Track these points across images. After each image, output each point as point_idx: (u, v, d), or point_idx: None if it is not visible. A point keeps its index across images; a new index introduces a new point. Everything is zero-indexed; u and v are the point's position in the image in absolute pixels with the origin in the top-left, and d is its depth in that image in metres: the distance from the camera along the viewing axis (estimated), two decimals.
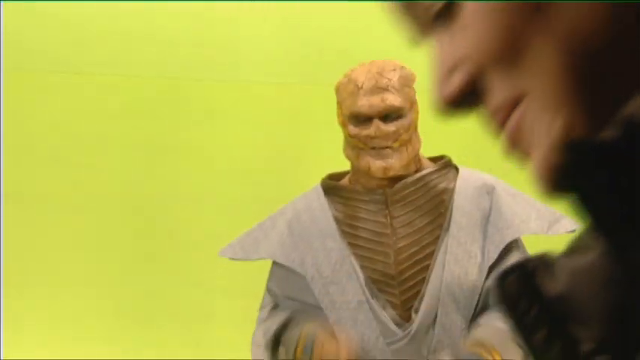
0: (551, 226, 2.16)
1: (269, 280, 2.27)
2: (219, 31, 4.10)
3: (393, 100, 2.09)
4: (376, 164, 2.09)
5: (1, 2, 3.89)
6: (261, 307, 2.28)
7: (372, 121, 2.09)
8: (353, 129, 2.11)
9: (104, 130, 4.04)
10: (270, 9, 4.07)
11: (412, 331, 2.07)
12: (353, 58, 4.18)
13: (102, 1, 3.97)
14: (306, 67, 4.10)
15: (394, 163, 2.09)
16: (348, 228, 2.16)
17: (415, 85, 2.18)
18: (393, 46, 4.52)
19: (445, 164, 2.23)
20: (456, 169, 2.25)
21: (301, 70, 4.10)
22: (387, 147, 2.09)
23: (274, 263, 2.25)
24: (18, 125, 3.98)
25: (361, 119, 2.10)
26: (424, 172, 2.18)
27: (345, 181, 2.24)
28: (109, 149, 4.04)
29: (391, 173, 2.09)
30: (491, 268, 2.10)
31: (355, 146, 2.13)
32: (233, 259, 2.26)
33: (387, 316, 2.09)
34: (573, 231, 2.16)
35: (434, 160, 2.26)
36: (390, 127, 2.08)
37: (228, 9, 4.06)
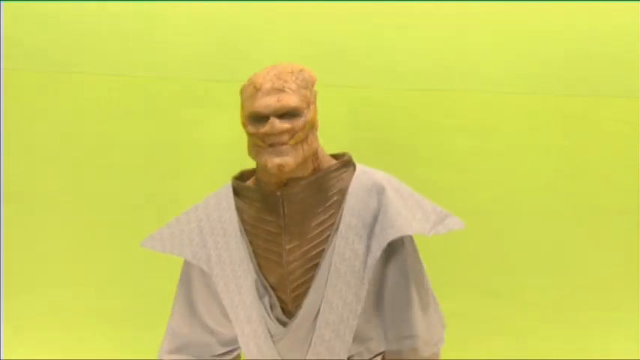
0: (434, 227, 2.23)
1: (180, 276, 2.41)
2: (220, 31, 4.10)
3: (288, 100, 2.20)
4: (272, 161, 2.18)
5: (1, 2, 3.89)
6: (170, 316, 2.41)
7: (268, 119, 2.21)
8: (251, 128, 2.26)
9: (104, 130, 4.04)
10: (270, 9, 4.07)
11: (292, 328, 2.20)
12: (352, 59, 4.19)
13: (102, 1, 3.97)
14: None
15: (289, 160, 2.18)
16: (250, 228, 2.27)
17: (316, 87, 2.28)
18: (392, 45, 4.52)
19: (344, 163, 2.29)
20: (355, 166, 2.31)
21: None
22: (282, 144, 2.19)
23: (185, 262, 2.38)
24: (18, 125, 3.98)
25: (259, 118, 2.23)
26: (321, 173, 2.25)
27: (251, 180, 2.36)
28: (109, 149, 4.04)
29: (286, 169, 2.18)
30: (376, 266, 2.22)
31: (254, 144, 2.25)
32: (153, 250, 2.41)
33: (272, 314, 2.23)
34: (457, 230, 2.24)
35: (336, 157, 2.33)
36: (285, 125, 2.18)
37: (228, 9, 4.05)
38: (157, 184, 4.04)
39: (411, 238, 2.27)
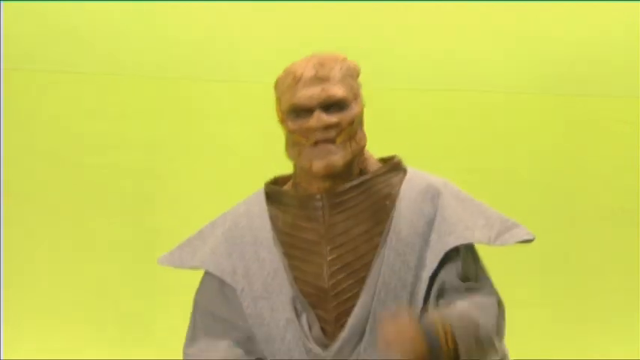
0: (499, 236, 2.00)
1: (197, 290, 2.09)
2: (219, 31, 4.10)
3: (334, 90, 1.95)
4: (318, 163, 1.92)
5: (1, 2, 3.89)
6: (188, 330, 2.10)
7: (312, 113, 1.93)
8: (292, 124, 1.97)
9: (104, 130, 4.03)
10: (270, 9, 4.06)
11: (334, 351, 1.91)
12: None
13: (102, 1, 3.97)
14: None
15: (337, 160, 1.93)
16: (285, 237, 1.98)
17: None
18: (392, 45, 4.53)
19: (393, 166, 2.05)
20: (405, 171, 2.06)
21: None
22: (329, 141, 1.92)
23: (206, 272, 2.06)
24: (18, 125, 3.98)
25: (301, 112, 1.95)
26: (368, 175, 2.00)
27: (288, 185, 2.06)
28: (109, 149, 4.03)
29: (334, 171, 1.92)
30: (431, 279, 1.94)
31: (296, 143, 1.97)
32: (171, 266, 2.11)
33: (310, 335, 1.92)
34: (527, 241, 2.06)
35: (384, 160, 2.08)
36: (332, 119, 1.93)
37: (228, 9, 4.05)
38: (157, 184, 4.03)
39: (472, 247, 2.02)
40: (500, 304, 2.02)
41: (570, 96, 4.23)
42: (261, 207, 2.04)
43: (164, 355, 3.83)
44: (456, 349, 1.80)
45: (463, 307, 1.89)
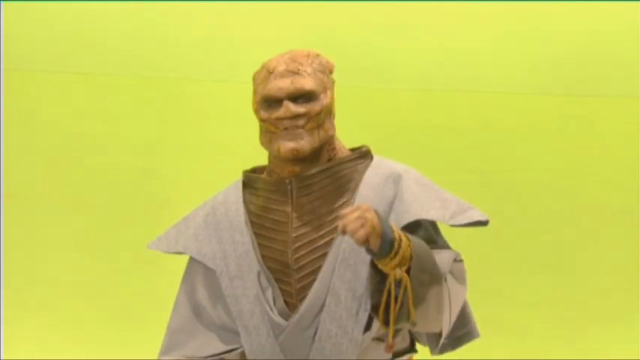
0: (454, 216, 2.08)
1: (184, 275, 2.27)
2: (219, 31, 4.10)
3: (303, 82, 2.09)
4: (286, 145, 2.06)
5: (1, 2, 3.89)
6: (172, 311, 2.25)
7: (282, 103, 2.08)
8: (264, 113, 2.10)
9: (104, 130, 4.04)
10: (270, 9, 4.07)
11: (294, 321, 2.04)
12: (352, 59, 4.18)
13: (102, 1, 3.97)
14: None
15: (304, 144, 2.06)
16: (256, 219, 2.13)
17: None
18: (392, 45, 4.52)
19: (361, 154, 2.17)
20: (372, 158, 2.18)
21: None
22: (297, 128, 2.07)
23: (189, 258, 2.24)
24: (18, 125, 3.98)
25: (272, 103, 2.09)
26: (335, 161, 2.13)
27: (265, 173, 2.21)
28: (109, 149, 4.04)
29: (300, 155, 2.06)
30: None
31: (267, 130, 2.11)
32: (158, 250, 2.30)
33: (275, 308, 2.06)
34: (481, 223, 2.13)
35: (354, 150, 2.20)
36: (300, 109, 2.07)
37: (227, 9, 4.05)
38: (157, 184, 4.04)
39: (433, 225, 2.12)
40: (458, 257, 2.12)
41: (570, 96, 4.24)
42: (237, 194, 2.20)
43: None
44: (405, 257, 1.87)
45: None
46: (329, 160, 2.13)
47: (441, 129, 4.18)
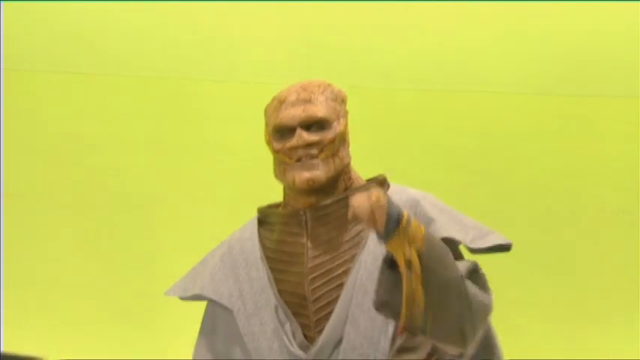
0: (474, 240, 2.06)
1: (202, 321, 2.20)
2: (219, 31, 4.10)
3: (315, 110, 2.05)
4: (301, 176, 2.02)
5: (1, 2, 3.89)
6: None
7: (294, 132, 2.04)
8: (277, 144, 2.07)
9: (104, 130, 4.04)
10: (270, 9, 4.07)
11: (313, 353, 1.99)
12: (352, 59, 4.19)
13: (102, 1, 3.97)
14: (305, 68, 4.10)
15: (319, 174, 2.02)
16: (271, 253, 2.09)
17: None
18: (392, 46, 4.53)
19: (377, 182, 2.11)
20: (389, 186, 2.14)
21: (301, 70, 4.10)
22: (312, 157, 2.03)
23: (208, 302, 2.18)
24: (18, 125, 3.98)
25: (284, 132, 2.06)
26: (350, 191, 2.06)
27: (280, 208, 2.17)
28: (109, 149, 4.04)
29: (316, 185, 2.02)
30: None
31: (281, 162, 2.08)
32: (175, 296, 2.22)
33: (294, 340, 2.01)
34: (503, 247, 2.13)
35: (370, 180, 2.16)
36: (313, 137, 2.03)
37: (227, 9, 4.06)
38: (157, 184, 4.04)
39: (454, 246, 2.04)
40: (477, 267, 2.08)
41: (570, 96, 4.24)
42: (253, 230, 2.16)
43: (164, 355, 3.84)
44: (415, 236, 1.84)
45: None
46: (345, 189, 2.09)
47: (441, 129, 4.19)
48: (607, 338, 4.07)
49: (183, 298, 2.22)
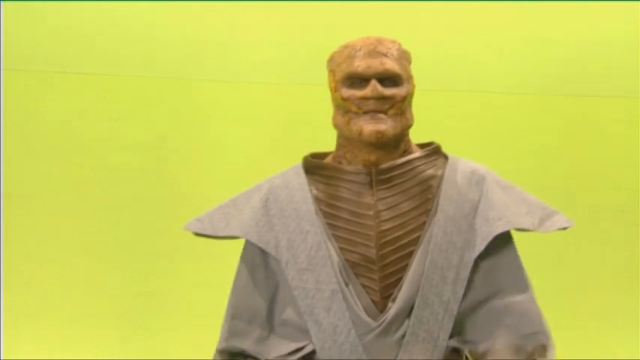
0: (542, 223, 2.06)
1: (241, 260, 2.09)
2: (219, 31, 4.10)
3: (392, 65, 2.01)
4: (369, 127, 1.97)
5: (1, 2, 3.89)
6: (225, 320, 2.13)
7: (367, 83, 2.00)
8: (346, 91, 2.02)
9: (104, 130, 4.04)
10: (270, 9, 4.07)
11: (386, 322, 1.94)
12: None
13: (102, 1, 3.97)
14: (306, 68, 4.10)
15: (387, 129, 1.99)
16: (328, 208, 2.02)
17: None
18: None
19: (434, 150, 2.12)
20: (445, 157, 2.14)
21: (301, 70, 4.10)
22: (380, 112, 1.99)
23: (247, 243, 2.07)
24: (18, 125, 3.98)
25: (356, 81, 2.02)
26: (412, 155, 2.06)
27: (329, 159, 2.11)
28: (109, 149, 4.04)
29: (384, 138, 1.98)
30: (477, 261, 2.01)
31: (347, 111, 2.02)
32: (199, 234, 2.11)
33: (360, 305, 1.96)
34: (565, 228, 2.10)
35: (422, 146, 2.16)
36: (387, 91, 1.99)
37: (227, 9, 4.05)
38: (157, 184, 4.04)
39: (510, 236, 2.07)
40: (532, 293, 2.15)
41: (570, 96, 4.24)
42: (301, 180, 2.07)
43: (164, 355, 3.84)
44: None
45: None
46: (404, 151, 2.07)
47: (441, 129, 4.18)
48: (607, 338, 4.07)
49: (208, 236, 2.10)
